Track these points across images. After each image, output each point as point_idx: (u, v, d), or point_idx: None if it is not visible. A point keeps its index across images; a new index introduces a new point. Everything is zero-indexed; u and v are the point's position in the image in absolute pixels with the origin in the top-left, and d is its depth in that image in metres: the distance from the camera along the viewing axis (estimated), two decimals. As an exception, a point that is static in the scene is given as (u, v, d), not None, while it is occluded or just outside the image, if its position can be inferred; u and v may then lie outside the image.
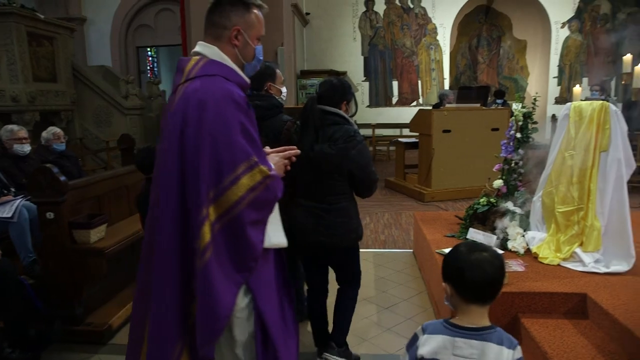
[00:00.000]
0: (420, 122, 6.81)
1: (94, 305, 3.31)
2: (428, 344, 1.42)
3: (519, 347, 1.41)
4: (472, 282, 1.39)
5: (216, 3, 1.64)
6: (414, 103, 12.54)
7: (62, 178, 2.96)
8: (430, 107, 7.97)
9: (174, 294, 1.57)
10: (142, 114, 9.29)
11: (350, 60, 12.36)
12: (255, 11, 1.69)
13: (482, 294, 1.41)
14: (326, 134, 2.38)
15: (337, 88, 2.45)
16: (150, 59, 16.24)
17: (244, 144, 1.53)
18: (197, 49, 1.65)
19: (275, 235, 1.66)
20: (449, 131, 6.49)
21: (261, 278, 1.62)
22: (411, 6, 12.32)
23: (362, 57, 12.53)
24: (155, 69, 16.68)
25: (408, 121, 7.37)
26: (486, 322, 1.42)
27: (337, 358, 2.61)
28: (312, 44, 12.32)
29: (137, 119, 9.13)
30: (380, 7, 12.34)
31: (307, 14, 11.93)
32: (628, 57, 4.30)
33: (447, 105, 7.10)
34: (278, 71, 2.82)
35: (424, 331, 1.47)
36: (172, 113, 1.57)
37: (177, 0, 8.03)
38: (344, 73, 11.95)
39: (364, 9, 12.35)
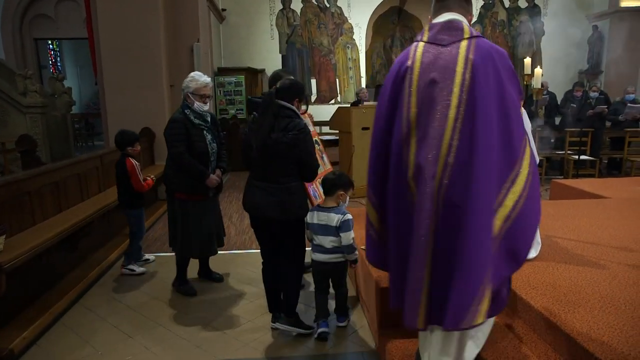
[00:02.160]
0: (339, 119, 6.88)
1: (-9, 328, 2.98)
2: (308, 216, 2.97)
3: (348, 214, 2.90)
4: (324, 184, 2.98)
5: None
6: (333, 101, 12.74)
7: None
8: (349, 105, 8.11)
9: (490, 225, 1.80)
10: (45, 113, 8.51)
11: (268, 58, 12.23)
12: None
13: (327, 191, 2.97)
14: (281, 125, 2.80)
15: (293, 87, 2.93)
16: (52, 52, 14.96)
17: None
18: (455, 17, 1.94)
19: None
20: (367, 128, 6.63)
21: None
22: (327, 5, 12.48)
23: (279, 55, 12.48)
24: (59, 64, 15.41)
25: (327, 119, 7.43)
26: (334, 204, 2.94)
27: (286, 327, 3.05)
28: (229, 41, 12.04)
29: (38, 118, 8.34)
30: (297, 5, 12.36)
31: (224, 10, 11.65)
32: (528, 60, 4.72)
33: (365, 103, 7.26)
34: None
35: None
36: (479, 61, 1.80)
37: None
38: (262, 71, 11.83)
39: (281, 6, 12.31)
